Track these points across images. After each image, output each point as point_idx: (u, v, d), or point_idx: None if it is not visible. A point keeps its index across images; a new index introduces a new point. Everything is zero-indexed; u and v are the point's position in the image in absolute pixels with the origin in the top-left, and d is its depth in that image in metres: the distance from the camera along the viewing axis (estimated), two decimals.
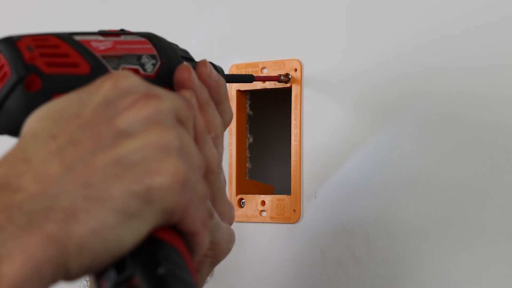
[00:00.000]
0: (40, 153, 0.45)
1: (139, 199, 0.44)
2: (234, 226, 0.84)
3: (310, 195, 0.80)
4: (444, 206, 0.73)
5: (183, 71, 0.55)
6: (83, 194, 0.44)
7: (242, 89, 0.84)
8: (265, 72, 0.83)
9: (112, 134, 0.45)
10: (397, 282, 0.75)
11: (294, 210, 0.80)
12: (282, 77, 0.79)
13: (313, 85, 0.80)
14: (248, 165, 0.86)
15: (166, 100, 0.47)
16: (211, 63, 0.59)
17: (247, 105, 0.86)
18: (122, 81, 0.47)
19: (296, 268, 0.81)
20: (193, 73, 0.56)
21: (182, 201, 0.46)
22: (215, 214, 0.55)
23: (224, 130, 0.58)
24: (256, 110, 0.86)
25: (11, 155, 0.45)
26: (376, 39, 0.77)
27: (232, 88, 0.84)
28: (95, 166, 0.44)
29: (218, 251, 0.57)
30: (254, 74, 0.83)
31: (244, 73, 0.84)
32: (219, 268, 0.85)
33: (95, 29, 0.98)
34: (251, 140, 0.86)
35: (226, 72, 0.85)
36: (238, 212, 0.84)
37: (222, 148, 0.58)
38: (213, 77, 0.58)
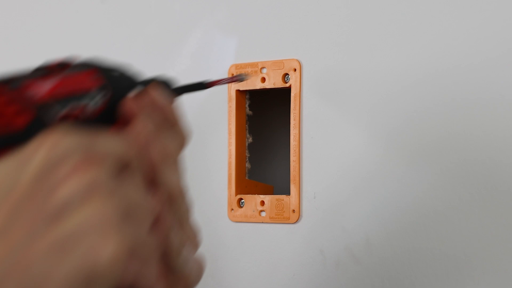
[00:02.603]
0: None
1: (84, 280, 0.43)
2: (234, 226, 0.84)
3: (309, 195, 0.80)
4: (444, 206, 0.73)
5: (131, 102, 0.52)
6: (25, 280, 0.42)
7: (241, 89, 0.84)
8: (264, 72, 0.83)
9: (50, 211, 0.43)
10: (396, 282, 0.75)
11: (293, 210, 0.80)
12: (244, 76, 0.72)
13: (312, 85, 0.80)
14: (247, 165, 0.86)
15: (106, 158, 0.45)
16: (160, 81, 0.57)
17: (247, 105, 0.86)
18: (58, 145, 0.44)
19: (295, 268, 0.80)
20: (142, 101, 0.53)
21: (130, 269, 0.45)
22: (183, 249, 0.54)
23: (180, 152, 0.57)
24: (256, 110, 0.86)
25: None
26: (376, 39, 0.77)
27: (232, 88, 0.85)
28: (35, 250, 0.43)
29: (189, 283, 0.56)
30: (254, 74, 0.83)
31: (243, 72, 0.84)
32: (219, 268, 0.85)
33: (94, 30, 0.99)
34: (250, 140, 0.86)
35: (225, 71, 0.85)
36: (238, 212, 0.84)
37: (181, 172, 0.56)
38: (163, 100, 0.55)
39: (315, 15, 0.80)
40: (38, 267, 0.42)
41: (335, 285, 0.78)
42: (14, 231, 0.43)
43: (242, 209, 0.84)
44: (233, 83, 0.82)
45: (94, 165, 0.44)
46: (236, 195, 0.84)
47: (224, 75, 0.85)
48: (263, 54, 0.83)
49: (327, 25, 0.79)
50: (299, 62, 0.81)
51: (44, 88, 0.47)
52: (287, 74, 0.81)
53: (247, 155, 0.86)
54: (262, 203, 0.83)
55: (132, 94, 0.52)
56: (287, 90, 0.82)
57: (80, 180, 0.44)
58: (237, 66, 0.84)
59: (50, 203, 0.43)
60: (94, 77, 0.50)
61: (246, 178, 0.85)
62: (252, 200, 0.83)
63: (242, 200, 0.84)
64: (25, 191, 0.44)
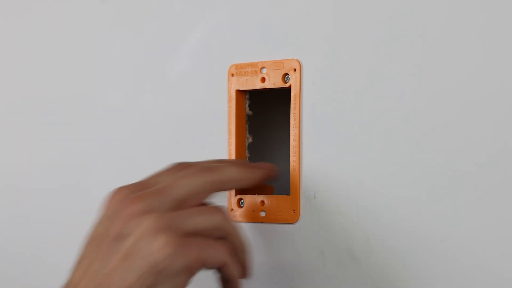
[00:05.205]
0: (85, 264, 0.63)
1: (150, 275, 0.59)
2: None
3: (309, 195, 0.80)
4: (444, 206, 0.73)
5: None
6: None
7: (241, 88, 0.84)
8: (264, 72, 0.83)
9: (115, 237, 0.62)
10: (397, 282, 0.75)
11: (293, 210, 0.80)
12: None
13: (312, 85, 0.80)
14: None
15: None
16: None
17: (246, 105, 0.86)
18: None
19: (295, 268, 0.80)
20: None
21: (190, 254, 0.61)
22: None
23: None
24: (256, 110, 0.86)
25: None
26: (376, 39, 0.77)
27: (232, 88, 0.84)
28: (111, 266, 0.61)
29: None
30: (254, 74, 0.83)
31: (243, 72, 0.84)
32: None
33: (94, 30, 0.98)
34: (250, 140, 0.86)
35: (225, 71, 0.85)
36: (238, 212, 0.84)
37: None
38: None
39: (315, 15, 0.80)
40: (117, 277, 0.60)
41: (335, 285, 0.78)
42: (95, 261, 0.62)
43: (242, 209, 0.84)
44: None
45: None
46: (236, 195, 0.84)
47: (224, 75, 0.85)
48: (263, 54, 0.83)
49: (327, 25, 0.79)
50: (299, 62, 0.81)
51: None
52: (287, 74, 0.81)
53: (247, 155, 0.86)
54: (262, 203, 0.82)
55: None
56: (287, 90, 0.82)
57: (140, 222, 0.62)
58: (237, 66, 0.84)
59: (117, 237, 0.62)
60: None
61: None
62: (252, 200, 0.83)
63: (242, 200, 0.84)
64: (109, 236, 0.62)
